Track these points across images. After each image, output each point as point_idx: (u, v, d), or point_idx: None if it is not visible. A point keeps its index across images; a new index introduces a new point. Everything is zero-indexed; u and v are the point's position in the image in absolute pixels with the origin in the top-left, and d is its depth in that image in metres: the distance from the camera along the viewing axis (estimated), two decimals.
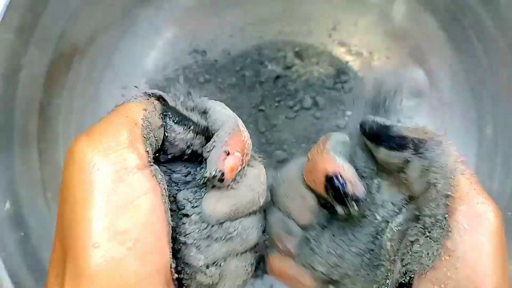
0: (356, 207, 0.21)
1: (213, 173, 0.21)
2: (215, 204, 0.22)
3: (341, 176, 0.21)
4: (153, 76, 0.43)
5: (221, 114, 0.23)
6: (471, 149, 0.41)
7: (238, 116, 0.23)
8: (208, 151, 0.22)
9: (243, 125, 0.23)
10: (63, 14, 0.35)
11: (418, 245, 0.19)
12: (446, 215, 0.19)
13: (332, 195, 0.22)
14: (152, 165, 0.20)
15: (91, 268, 0.17)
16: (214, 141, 0.22)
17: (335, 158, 0.22)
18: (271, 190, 0.26)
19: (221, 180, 0.21)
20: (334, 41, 0.44)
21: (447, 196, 0.19)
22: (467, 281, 0.17)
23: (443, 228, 0.19)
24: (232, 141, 0.21)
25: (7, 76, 0.32)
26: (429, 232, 0.19)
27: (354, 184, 0.21)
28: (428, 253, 0.19)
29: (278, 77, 0.43)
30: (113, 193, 0.18)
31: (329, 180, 0.21)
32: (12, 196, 0.33)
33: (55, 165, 0.37)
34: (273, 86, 0.43)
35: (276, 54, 0.44)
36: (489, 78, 0.38)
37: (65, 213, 0.18)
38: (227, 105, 0.24)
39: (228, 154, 0.21)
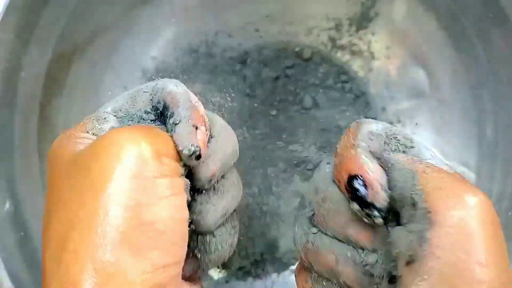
0: (377, 214, 0.19)
1: (192, 149, 0.20)
2: (212, 216, 0.22)
3: (362, 178, 0.19)
4: (153, 76, 0.43)
5: (175, 92, 0.22)
6: (471, 149, 0.41)
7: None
8: (173, 127, 0.21)
9: (197, 99, 0.23)
10: (63, 14, 0.35)
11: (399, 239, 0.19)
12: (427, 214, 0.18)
13: (352, 198, 0.20)
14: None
15: (106, 256, 0.17)
16: (177, 117, 0.21)
17: (361, 157, 0.20)
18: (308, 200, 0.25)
19: (198, 157, 0.20)
20: (334, 41, 0.44)
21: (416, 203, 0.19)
22: (449, 269, 0.17)
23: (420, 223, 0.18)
24: (194, 115, 0.21)
25: (7, 76, 0.32)
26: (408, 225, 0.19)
27: (374, 190, 0.19)
28: (408, 246, 0.18)
29: (278, 77, 0.43)
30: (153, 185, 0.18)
31: (350, 181, 0.20)
32: (12, 196, 0.33)
33: None
34: (273, 86, 0.43)
35: (276, 54, 0.44)
36: (489, 78, 0.38)
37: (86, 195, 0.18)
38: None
39: (197, 128, 0.21)
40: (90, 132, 0.21)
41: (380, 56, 0.44)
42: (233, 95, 0.43)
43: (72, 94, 0.38)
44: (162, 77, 0.25)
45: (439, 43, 0.41)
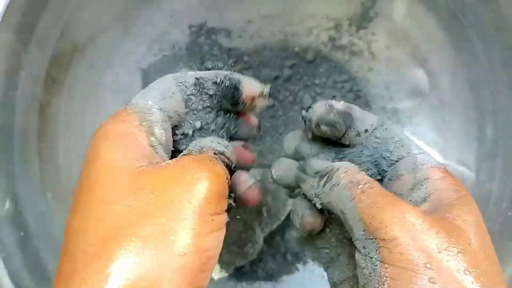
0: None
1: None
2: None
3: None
4: (153, 76, 0.43)
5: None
6: (471, 149, 0.41)
7: None
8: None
9: None
10: (63, 14, 0.35)
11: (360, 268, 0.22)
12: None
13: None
14: None
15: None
16: None
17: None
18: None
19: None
20: (334, 41, 0.44)
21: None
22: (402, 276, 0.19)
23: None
24: None
25: (7, 76, 0.32)
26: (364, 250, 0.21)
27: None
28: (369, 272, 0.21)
29: (278, 77, 0.43)
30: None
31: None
32: (12, 196, 0.33)
33: (55, 165, 0.37)
34: (273, 86, 0.43)
35: (276, 54, 0.44)
36: (489, 78, 0.38)
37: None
38: None
39: None
40: (155, 143, 0.23)
41: (380, 56, 0.44)
42: None
43: (72, 94, 0.38)
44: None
45: (439, 43, 0.41)
